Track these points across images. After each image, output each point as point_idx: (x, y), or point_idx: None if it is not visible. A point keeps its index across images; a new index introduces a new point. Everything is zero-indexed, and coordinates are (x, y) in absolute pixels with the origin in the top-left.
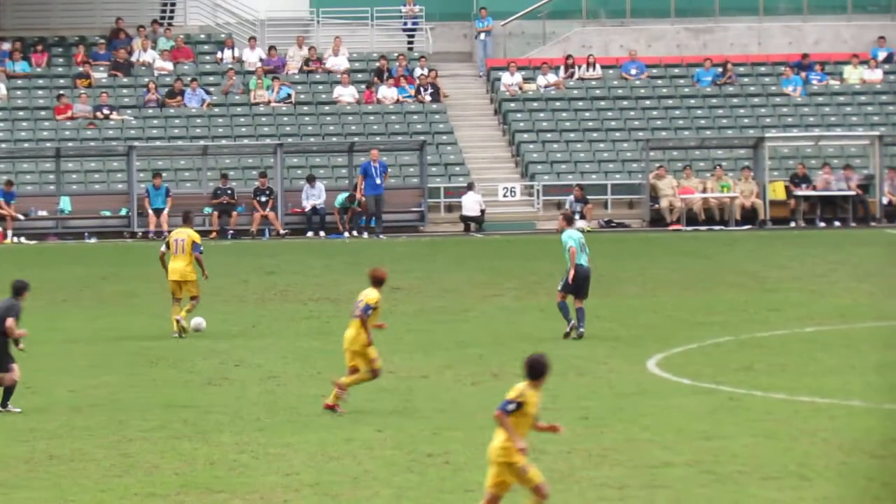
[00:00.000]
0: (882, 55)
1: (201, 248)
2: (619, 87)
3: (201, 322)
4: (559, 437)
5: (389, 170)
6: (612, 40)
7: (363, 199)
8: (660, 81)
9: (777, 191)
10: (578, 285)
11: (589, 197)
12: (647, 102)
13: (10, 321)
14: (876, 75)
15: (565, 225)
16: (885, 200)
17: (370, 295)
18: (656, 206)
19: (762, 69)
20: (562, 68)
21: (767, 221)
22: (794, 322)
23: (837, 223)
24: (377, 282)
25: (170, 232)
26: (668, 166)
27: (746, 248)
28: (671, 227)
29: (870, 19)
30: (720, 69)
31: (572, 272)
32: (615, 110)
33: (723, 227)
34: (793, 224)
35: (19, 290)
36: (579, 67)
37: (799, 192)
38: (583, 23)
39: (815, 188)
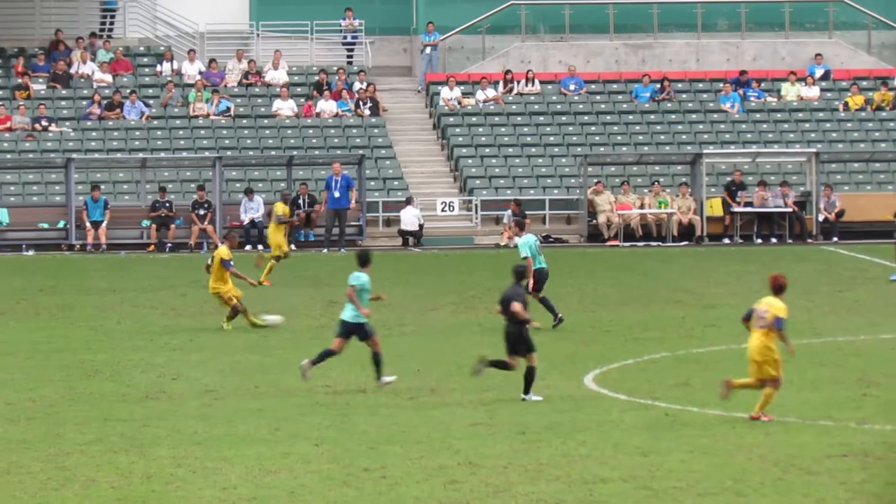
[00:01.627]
0: (819, 72)
1: (230, 264)
2: (557, 102)
3: (277, 319)
4: (495, 451)
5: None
6: (551, 56)
7: (322, 211)
8: (598, 97)
9: (714, 207)
10: (541, 287)
11: (527, 212)
12: (586, 118)
13: None
14: (813, 92)
15: (519, 231)
16: (821, 217)
17: (776, 304)
18: (594, 221)
19: (700, 85)
20: (501, 83)
21: (704, 237)
22: (731, 338)
23: (774, 240)
24: (780, 289)
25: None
26: (606, 182)
27: (683, 264)
28: (609, 243)
29: (807, 36)
30: (658, 85)
31: (531, 281)
32: (554, 125)
33: (660, 243)
34: (729, 240)
35: None
36: (518, 83)
37: (736, 209)
38: (522, 38)
39: (751, 204)
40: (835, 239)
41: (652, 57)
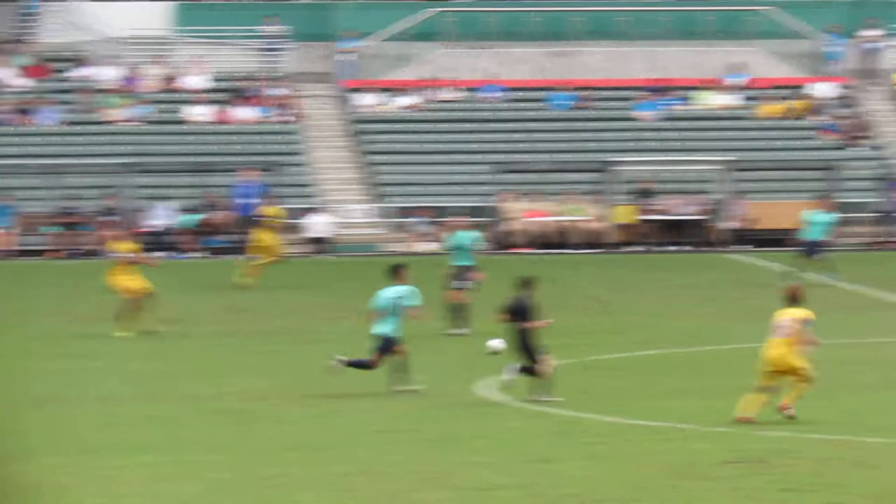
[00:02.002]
0: (735, 81)
1: (122, 255)
2: (477, 109)
3: (498, 345)
4: (394, 459)
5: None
6: (472, 63)
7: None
8: (519, 105)
9: (625, 214)
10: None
11: (440, 219)
12: (505, 125)
13: None
14: (727, 101)
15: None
16: (731, 225)
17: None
18: (505, 228)
19: (618, 94)
20: (422, 90)
21: (614, 244)
22: (638, 345)
23: (684, 247)
24: (795, 300)
25: None
26: (521, 189)
27: (593, 272)
28: (520, 250)
29: (723, 45)
30: (578, 93)
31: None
32: (472, 133)
33: (571, 251)
34: (640, 248)
35: None
36: (439, 89)
37: (646, 217)
38: (444, 45)
39: (662, 212)
40: (745, 247)
41: (572, 65)
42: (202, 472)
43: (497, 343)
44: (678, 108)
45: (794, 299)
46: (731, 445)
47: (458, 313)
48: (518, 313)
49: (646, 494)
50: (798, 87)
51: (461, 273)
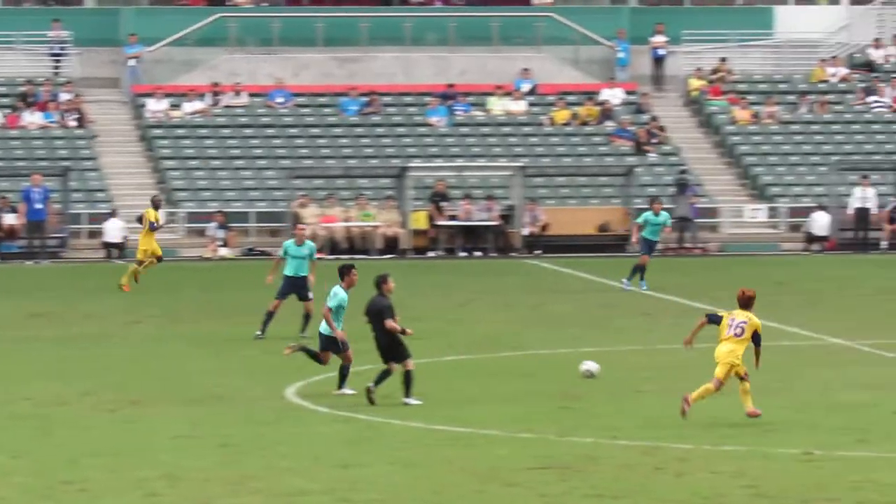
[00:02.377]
0: (526, 87)
1: None
2: (265, 115)
3: (593, 367)
4: (197, 464)
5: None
6: (259, 68)
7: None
8: (306, 110)
9: (419, 220)
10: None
11: (231, 224)
12: (293, 131)
13: None
14: (519, 106)
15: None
16: (525, 231)
17: (755, 320)
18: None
19: (408, 99)
20: (208, 95)
21: (409, 250)
22: (436, 351)
23: (478, 253)
24: (749, 303)
25: None
26: (312, 195)
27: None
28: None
29: (514, 51)
30: (366, 98)
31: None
32: (261, 138)
33: (365, 256)
34: (434, 253)
35: None
36: (226, 95)
37: (441, 222)
38: (230, 50)
39: (456, 217)
40: (538, 252)
41: (360, 70)
42: (3, 476)
43: (592, 366)
44: (470, 114)
45: (746, 302)
46: (535, 451)
47: (305, 322)
48: (375, 314)
49: (450, 500)
50: (588, 92)
51: (298, 282)
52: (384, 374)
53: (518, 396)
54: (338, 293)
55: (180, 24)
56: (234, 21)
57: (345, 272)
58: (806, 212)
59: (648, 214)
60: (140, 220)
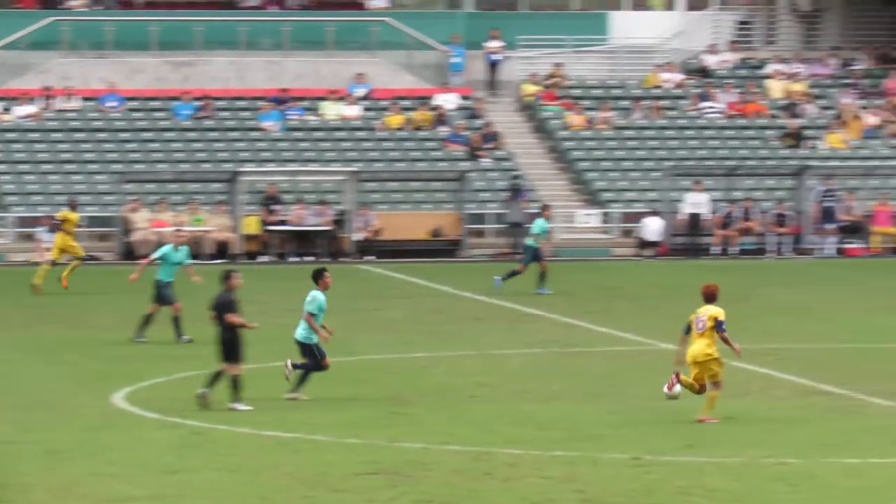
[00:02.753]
0: (360, 91)
1: None
2: (97, 119)
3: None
4: (22, 470)
5: None
6: (92, 72)
7: None
8: (139, 114)
9: (251, 225)
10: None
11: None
12: (125, 135)
13: None
14: (353, 111)
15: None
16: (358, 236)
17: (714, 309)
18: (129, 239)
19: (241, 103)
20: (40, 99)
21: (240, 255)
22: (266, 356)
23: (310, 258)
24: (712, 297)
25: None
26: (144, 199)
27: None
28: (144, 261)
29: (349, 56)
30: (200, 103)
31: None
32: (92, 142)
33: (195, 261)
34: (268, 258)
35: None
36: (58, 99)
37: (273, 227)
38: (63, 54)
39: (288, 222)
40: (371, 257)
41: (194, 74)
42: None
43: (677, 388)
44: (304, 119)
45: (710, 297)
46: (364, 457)
47: (145, 323)
48: (219, 309)
49: None
50: (422, 97)
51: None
52: (216, 377)
53: (348, 402)
54: (316, 297)
55: (12, 27)
56: (68, 25)
57: (319, 276)
58: (638, 217)
59: (541, 221)
60: (57, 223)
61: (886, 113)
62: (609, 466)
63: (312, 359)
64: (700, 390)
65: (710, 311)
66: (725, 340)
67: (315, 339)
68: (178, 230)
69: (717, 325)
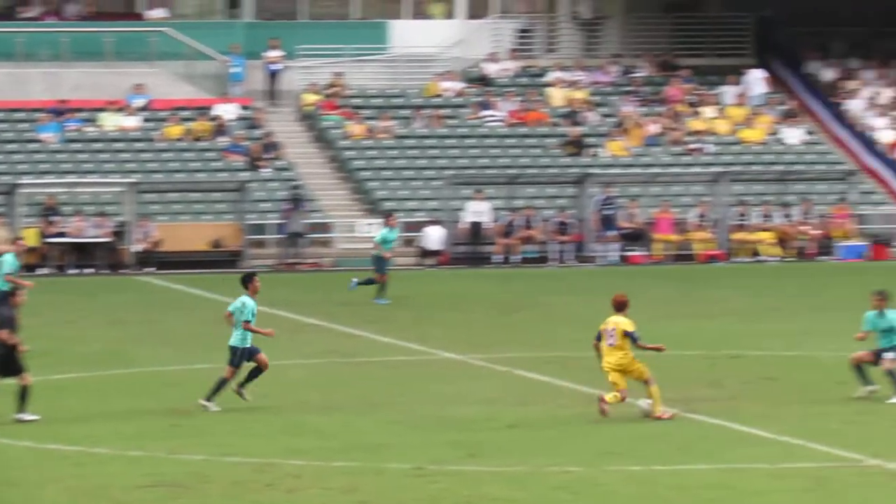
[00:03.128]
0: (139, 102)
1: None
2: None
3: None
4: None
5: None
6: None
7: None
8: None
9: (30, 237)
10: None
11: None
12: None
13: None
14: (132, 122)
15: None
16: (137, 247)
17: (622, 321)
18: None
19: (19, 115)
20: None
21: (22, 268)
22: (45, 369)
23: (90, 270)
24: (622, 307)
25: None
26: None
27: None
28: None
29: (128, 67)
30: None
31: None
32: None
33: None
34: (47, 271)
35: None
36: None
37: (51, 239)
38: None
39: (66, 234)
40: (151, 269)
41: None
42: None
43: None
44: (82, 130)
45: (619, 306)
46: (145, 469)
47: None
48: None
49: None
50: (201, 108)
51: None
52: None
53: (129, 414)
54: (247, 303)
55: None
56: None
57: (248, 281)
58: (419, 226)
59: (386, 231)
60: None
61: (667, 120)
62: (392, 476)
63: (237, 365)
64: (623, 398)
65: (619, 325)
66: (644, 348)
67: (249, 343)
68: (19, 241)
69: (632, 339)
